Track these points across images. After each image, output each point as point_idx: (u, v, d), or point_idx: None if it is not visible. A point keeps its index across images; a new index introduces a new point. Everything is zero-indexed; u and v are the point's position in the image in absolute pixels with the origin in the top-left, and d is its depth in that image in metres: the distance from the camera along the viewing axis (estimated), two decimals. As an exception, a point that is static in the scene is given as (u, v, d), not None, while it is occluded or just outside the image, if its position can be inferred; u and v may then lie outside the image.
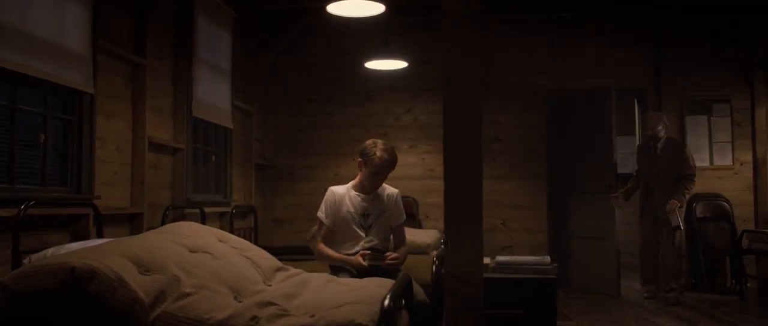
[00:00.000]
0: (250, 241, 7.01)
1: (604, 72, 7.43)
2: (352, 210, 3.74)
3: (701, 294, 6.74)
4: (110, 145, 4.68)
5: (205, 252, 2.71)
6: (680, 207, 6.25)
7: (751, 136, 7.39)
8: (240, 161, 7.07)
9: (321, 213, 3.78)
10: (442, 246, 5.81)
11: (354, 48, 7.55)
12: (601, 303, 6.34)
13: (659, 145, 6.45)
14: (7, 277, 2.26)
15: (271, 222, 7.82)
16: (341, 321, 2.16)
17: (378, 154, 3.68)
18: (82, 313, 2.19)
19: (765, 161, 7.22)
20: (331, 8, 4.90)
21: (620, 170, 7.20)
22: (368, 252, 3.51)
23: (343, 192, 3.80)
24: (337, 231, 3.74)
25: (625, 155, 8.50)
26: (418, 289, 3.36)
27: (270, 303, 2.29)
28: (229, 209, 6.55)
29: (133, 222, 4.87)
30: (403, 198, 7.13)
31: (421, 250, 5.61)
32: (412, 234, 5.47)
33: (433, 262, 4.16)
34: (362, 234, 3.73)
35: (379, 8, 4.91)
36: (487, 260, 3.66)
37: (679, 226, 6.21)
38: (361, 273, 3.50)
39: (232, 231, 6.48)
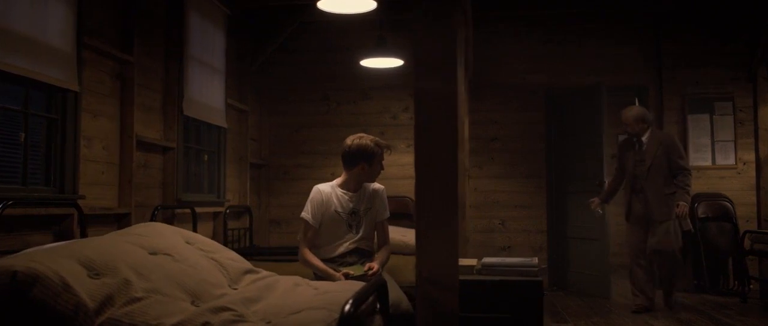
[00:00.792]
0: (246, 242, 7.05)
1: (604, 69, 7.32)
2: (340, 209, 3.64)
3: (703, 296, 6.62)
4: (97, 143, 4.61)
5: (166, 254, 2.61)
6: (688, 208, 5.64)
7: (754, 134, 7.26)
8: (235, 160, 6.99)
9: (306, 214, 3.66)
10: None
11: (350, 46, 7.48)
12: (599, 305, 6.22)
13: (644, 139, 5.80)
14: None
15: (266, 222, 7.74)
16: (297, 328, 2.05)
17: (381, 146, 3.65)
18: (23, 320, 2.10)
19: (768, 160, 7.09)
20: (322, 5, 4.83)
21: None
22: (350, 272, 3.40)
23: (330, 191, 3.70)
24: (323, 230, 3.64)
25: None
26: (401, 296, 3.25)
27: (226, 309, 2.18)
28: (222, 209, 6.48)
29: (120, 223, 4.79)
30: (400, 197, 7.15)
31: (413, 251, 5.50)
32: (406, 235, 5.38)
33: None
34: (350, 233, 3.64)
35: (371, 5, 4.82)
36: (473, 262, 3.55)
37: (691, 230, 5.80)
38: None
39: (225, 232, 6.43)
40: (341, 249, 3.59)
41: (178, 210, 5.58)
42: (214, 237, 6.45)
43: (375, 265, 3.41)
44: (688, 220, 5.66)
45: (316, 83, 7.76)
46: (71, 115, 4.23)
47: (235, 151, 7.00)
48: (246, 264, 3.01)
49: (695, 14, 7.26)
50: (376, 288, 2.52)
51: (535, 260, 3.34)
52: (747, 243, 6.50)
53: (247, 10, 7.00)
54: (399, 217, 6.34)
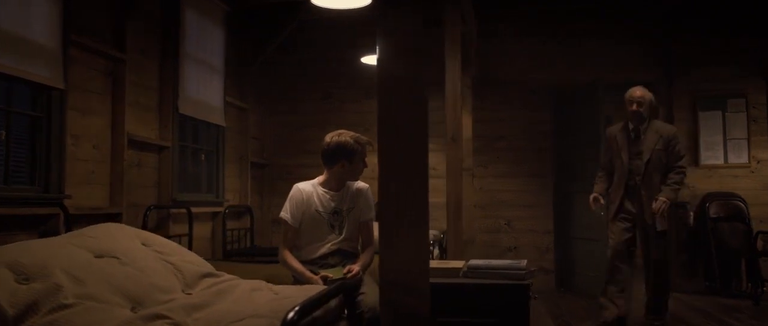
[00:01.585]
0: (247, 242, 6.94)
1: (612, 66, 7.15)
2: (321, 209, 3.51)
3: (715, 298, 6.42)
4: (85, 142, 4.53)
5: (113, 257, 2.49)
6: (668, 207, 4.86)
7: (768, 132, 7.05)
8: (235, 160, 6.90)
9: (285, 214, 3.53)
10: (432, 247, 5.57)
11: (351, 43, 7.36)
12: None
13: (642, 129, 4.99)
14: None
15: (268, 223, 7.64)
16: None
17: (362, 143, 3.50)
18: None
19: (782, 158, 6.87)
20: (316, 0, 4.72)
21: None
22: (329, 275, 3.26)
23: (311, 190, 3.57)
24: (304, 230, 3.50)
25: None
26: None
27: (161, 316, 2.06)
28: (221, 209, 6.39)
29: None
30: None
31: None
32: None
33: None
34: (332, 234, 3.50)
35: (365, 0, 4.70)
36: (460, 264, 3.41)
37: (665, 231, 4.90)
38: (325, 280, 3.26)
39: (224, 232, 6.33)
40: (323, 251, 3.45)
41: (174, 210, 5.49)
42: (212, 238, 6.37)
43: (356, 267, 3.27)
44: (665, 220, 4.85)
45: (317, 82, 7.65)
46: (56, 113, 4.15)
47: (236, 150, 6.91)
48: (206, 268, 2.88)
49: (704, 9, 7.06)
50: (338, 292, 2.37)
51: (524, 262, 3.19)
52: (760, 244, 6.32)
53: (248, 8, 6.90)
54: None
